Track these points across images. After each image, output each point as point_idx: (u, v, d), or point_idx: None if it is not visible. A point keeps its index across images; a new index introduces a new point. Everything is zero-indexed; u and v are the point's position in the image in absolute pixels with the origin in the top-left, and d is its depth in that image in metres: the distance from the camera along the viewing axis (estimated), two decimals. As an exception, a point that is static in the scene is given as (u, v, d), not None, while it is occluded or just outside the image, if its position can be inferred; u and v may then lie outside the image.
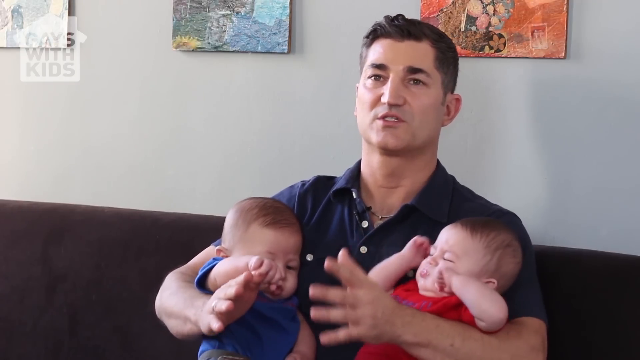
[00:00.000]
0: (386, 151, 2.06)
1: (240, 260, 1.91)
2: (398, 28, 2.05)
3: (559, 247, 2.26)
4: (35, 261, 2.66)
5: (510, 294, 1.92)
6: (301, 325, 2.00)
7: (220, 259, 2.00)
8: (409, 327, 1.80)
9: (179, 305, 2.01)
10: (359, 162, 2.16)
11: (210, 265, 1.98)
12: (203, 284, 1.98)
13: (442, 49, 2.08)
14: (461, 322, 1.84)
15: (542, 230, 2.37)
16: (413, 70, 2.04)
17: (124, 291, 2.56)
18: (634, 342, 2.06)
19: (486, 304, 1.81)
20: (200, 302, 1.94)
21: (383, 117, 2.03)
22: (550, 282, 2.09)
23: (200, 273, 1.99)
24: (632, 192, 2.31)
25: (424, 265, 1.92)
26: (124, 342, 2.55)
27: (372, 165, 2.11)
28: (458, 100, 2.15)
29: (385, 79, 2.05)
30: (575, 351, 2.08)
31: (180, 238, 2.53)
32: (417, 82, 2.04)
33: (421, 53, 2.05)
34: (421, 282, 1.91)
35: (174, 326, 2.04)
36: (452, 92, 2.14)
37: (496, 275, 1.88)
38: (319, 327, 1.99)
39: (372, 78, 2.07)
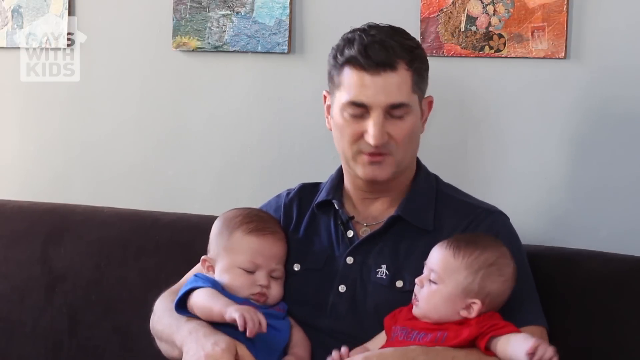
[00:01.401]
0: (372, 182, 2.04)
1: (216, 305, 1.92)
2: (372, 62, 1.96)
3: (558, 248, 2.25)
4: (35, 261, 2.66)
5: (509, 302, 1.91)
6: (294, 329, 2.02)
7: (202, 279, 2.01)
8: None
9: (167, 330, 2.03)
10: (340, 170, 2.14)
11: (189, 287, 2.00)
12: (185, 303, 2.00)
13: (417, 69, 2.00)
14: (474, 349, 1.84)
15: (542, 230, 2.37)
16: (394, 106, 1.98)
17: (123, 291, 2.56)
18: (633, 342, 2.06)
19: None
20: (186, 328, 1.96)
21: (369, 156, 2.00)
22: (550, 282, 2.09)
23: (179, 294, 2.01)
24: (631, 193, 2.30)
25: (415, 289, 1.92)
26: (124, 342, 2.55)
27: (353, 179, 2.09)
28: (430, 102, 2.10)
29: (366, 113, 1.98)
30: (574, 351, 2.07)
31: (180, 238, 2.53)
32: (399, 115, 2.00)
33: (399, 84, 1.97)
34: (416, 311, 1.91)
35: (165, 350, 2.07)
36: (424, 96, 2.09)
37: (480, 296, 1.86)
38: (311, 333, 2.02)
39: (351, 113, 2.00)
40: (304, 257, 2.09)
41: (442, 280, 1.88)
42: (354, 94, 1.98)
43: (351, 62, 1.98)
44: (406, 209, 2.05)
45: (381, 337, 1.94)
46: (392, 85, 1.97)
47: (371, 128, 1.97)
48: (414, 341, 1.87)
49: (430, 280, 1.89)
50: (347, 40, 2.01)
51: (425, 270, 1.92)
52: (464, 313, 1.87)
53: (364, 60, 1.96)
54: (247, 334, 1.86)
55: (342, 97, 2.01)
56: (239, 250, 2.02)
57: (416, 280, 1.92)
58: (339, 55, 2.01)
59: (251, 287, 2.00)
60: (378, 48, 1.97)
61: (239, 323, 1.85)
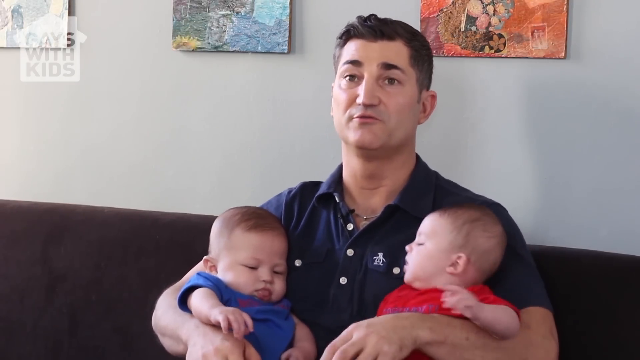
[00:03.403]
0: (363, 151, 2.06)
1: (203, 308, 1.93)
2: (370, 29, 2.05)
3: (558, 247, 2.26)
4: (35, 261, 2.66)
5: (511, 284, 1.93)
6: (299, 325, 2.02)
7: (204, 277, 2.02)
8: (422, 324, 1.81)
9: (171, 325, 2.04)
10: (341, 166, 2.16)
11: (190, 285, 2.01)
12: (186, 300, 2.01)
13: (416, 47, 2.07)
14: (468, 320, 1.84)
15: (542, 230, 2.37)
16: (388, 66, 2.03)
17: (124, 291, 2.56)
18: (633, 342, 2.06)
19: (506, 320, 1.81)
20: (192, 322, 1.97)
21: (359, 117, 2.04)
22: (550, 282, 2.09)
23: (181, 291, 2.02)
24: (631, 193, 2.31)
25: (407, 257, 1.95)
26: (124, 342, 2.55)
27: (352, 167, 2.12)
28: (433, 97, 2.14)
29: (360, 78, 2.05)
30: (574, 351, 2.07)
31: (180, 238, 2.53)
32: (392, 81, 2.04)
33: (395, 51, 2.05)
34: (406, 276, 1.93)
35: (169, 345, 2.08)
36: (428, 89, 2.13)
37: (465, 250, 1.88)
38: (315, 328, 2.02)
39: (347, 78, 2.06)
40: (304, 252, 2.10)
41: (428, 239, 1.91)
42: (350, 55, 2.07)
43: (351, 33, 2.08)
44: (404, 199, 2.07)
45: None
46: (386, 49, 2.05)
47: (362, 87, 2.03)
48: None
49: (418, 244, 1.92)
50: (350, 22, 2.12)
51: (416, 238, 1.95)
52: (450, 269, 1.89)
53: (363, 28, 2.06)
54: (235, 335, 1.86)
55: (340, 65, 2.09)
56: (240, 247, 2.03)
57: (406, 247, 1.95)
58: (343, 30, 2.11)
59: (255, 284, 2.01)
60: (378, 20, 2.08)
61: (223, 325, 1.86)
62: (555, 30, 2.35)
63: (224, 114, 2.75)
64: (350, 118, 2.05)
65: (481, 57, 2.43)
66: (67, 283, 2.62)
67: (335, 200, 2.11)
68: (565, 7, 2.34)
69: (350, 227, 2.08)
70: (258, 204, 2.26)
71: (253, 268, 2.02)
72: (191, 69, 2.78)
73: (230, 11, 2.69)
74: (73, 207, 2.73)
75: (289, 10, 2.63)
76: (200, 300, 1.95)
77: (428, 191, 2.09)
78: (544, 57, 2.37)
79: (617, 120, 2.32)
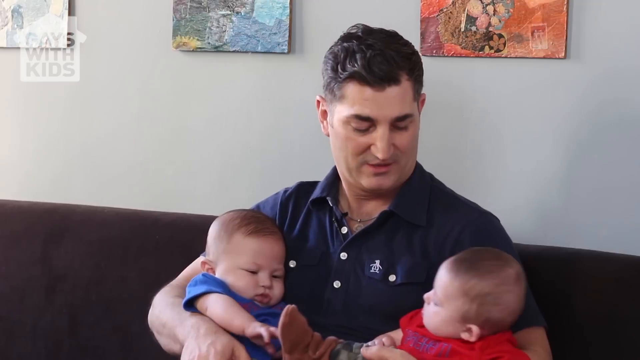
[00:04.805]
0: (377, 191, 2.05)
1: (237, 318, 1.92)
2: (376, 77, 1.95)
3: (558, 247, 2.25)
4: (35, 261, 2.66)
5: None
6: None
7: (212, 280, 2.01)
8: None
9: (169, 323, 2.03)
10: (335, 168, 2.14)
11: (204, 290, 1.99)
12: (192, 303, 2.01)
13: (416, 76, 2.01)
14: None
15: (542, 230, 2.37)
16: (400, 118, 1.98)
17: (124, 291, 2.56)
18: (634, 342, 2.06)
19: None
20: (189, 322, 1.96)
21: (374, 166, 2.01)
22: (550, 282, 2.09)
23: (191, 295, 2.00)
24: (632, 193, 2.31)
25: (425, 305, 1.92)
26: (124, 342, 2.55)
27: (350, 187, 2.09)
28: (423, 100, 2.09)
29: (371, 127, 1.99)
30: (574, 352, 2.08)
31: (180, 238, 2.53)
32: (403, 126, 2.00)
33: (402, 96, 1.98)
34: (429, 327, 1.91)
35: (166, 344, 2.07)
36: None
37: (478, 322, 1.85)
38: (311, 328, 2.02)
39: (356, 129, 2.00)
40: (299, 253, 2.09)
41: (442, 303, 1.87)
42: (358, 107, 1.98)
43: (354, 77, 1.97)
44: (399, 205, 2.06)
45: (400, 331, 1.94)
46: (396, 98, 1.97)
47: (379, 142, 1.98)
48: (423, 351, 1.87)
49: (435, 303, 1.89)
50: (346, 52, 1.99)
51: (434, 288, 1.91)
52: (464, 336, 1.85)
53: (368, 75, 1.96)
54: (269, 350, 1.88)
55: (344, 110, 2.00)
56: (240, 252, 2.03)
57: (424, 296, 1.91)
58: (340, 69, 1.99)
59: (255, 288, 2.01)
60: (380, 61, 1.96)
61: (265, 336, 1.86)
62: (555, 30, 2.35)
63: (224, 114, 2.75)
64: (363, 164, 2.02)
65: (481, 57, 2.43)
66: (67, 283, 2.62)
67: (329, 204, 2.11)
68: (565, 7, 2.34)
69: (344, 230, 2.08)
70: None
71: (253, 272, 2.02)
72: (191, 69, 2.78)
73: (230, 11, 2.69)
74: (73, 207, 2.73)
75: (289, 10, 2.63)
76: (228, 309, 1.94)
77: (423, 195, 2.08)
78: (544, 57, 2.37)
79: (616, 120, 2.32)
